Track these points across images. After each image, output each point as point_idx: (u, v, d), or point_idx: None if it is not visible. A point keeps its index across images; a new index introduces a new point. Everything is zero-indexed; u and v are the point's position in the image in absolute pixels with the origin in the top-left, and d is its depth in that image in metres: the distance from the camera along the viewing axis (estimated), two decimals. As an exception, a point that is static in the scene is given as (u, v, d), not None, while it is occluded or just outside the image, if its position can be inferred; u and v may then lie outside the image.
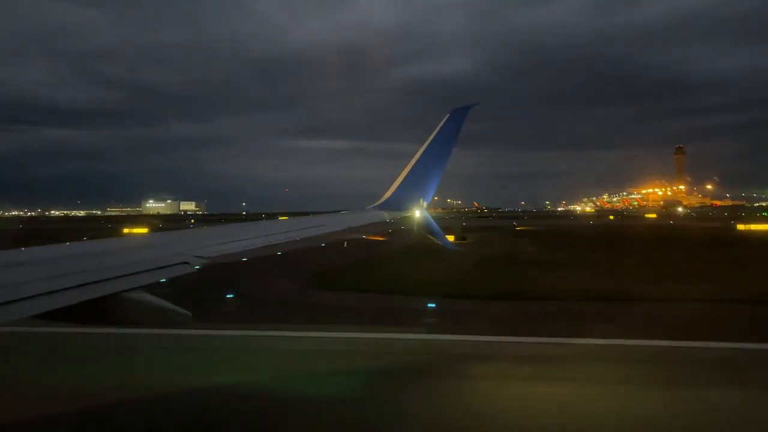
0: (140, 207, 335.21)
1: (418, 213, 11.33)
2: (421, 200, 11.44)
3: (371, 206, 11.39)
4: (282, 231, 7.86)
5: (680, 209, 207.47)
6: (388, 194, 11.50)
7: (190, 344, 13.36)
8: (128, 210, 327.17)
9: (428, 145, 11.33)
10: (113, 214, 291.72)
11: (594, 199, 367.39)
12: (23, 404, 9.75)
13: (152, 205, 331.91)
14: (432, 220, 11.64)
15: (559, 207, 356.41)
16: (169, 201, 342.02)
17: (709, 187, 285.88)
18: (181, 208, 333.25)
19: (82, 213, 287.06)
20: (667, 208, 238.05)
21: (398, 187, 11.45)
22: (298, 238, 8.80)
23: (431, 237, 11.81)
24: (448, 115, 11.35)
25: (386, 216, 11.01)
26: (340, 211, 11.40)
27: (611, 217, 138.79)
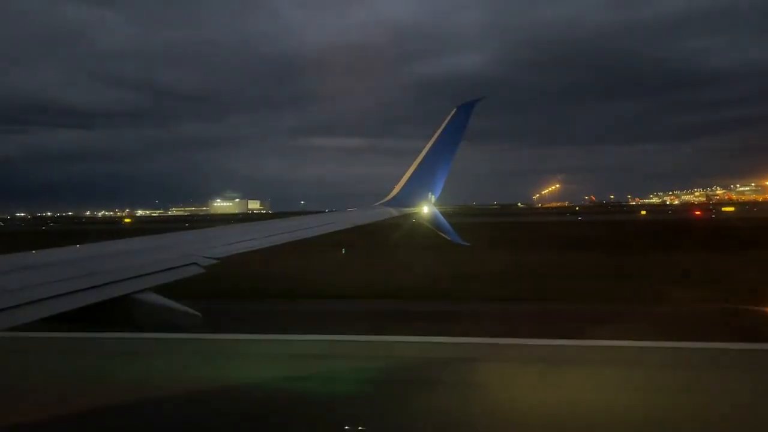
0: (207, 206, 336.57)
1: (426, 209, 11.26)
2: (430, 195, 11.36)
3: (379, 203, 11.42)
4: (290, 230, 8.03)
5: None
6: (396, 190, 11.48)
7: (199, 348, 13.33)
8: (193, 209, 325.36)
9: (435, 140, 11.24)
10: (179, 213, 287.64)
11: (709, 190, 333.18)
12: (30, 409, 9.92)
13: (220, 204, 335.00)
14: (440, 216, 11.51)
15: (631, 202, 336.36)
16: (237, 200, 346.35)
17: None
18: (248, 207, 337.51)
19: (155, 213, 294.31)
20: None
21: (406, 183, 11.41)
22: (307, 237, 9.00)
23: (440, 233, 11.69)
24: (454, 110, 11.22)
25: (394, 212, 10.99)
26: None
27: None
